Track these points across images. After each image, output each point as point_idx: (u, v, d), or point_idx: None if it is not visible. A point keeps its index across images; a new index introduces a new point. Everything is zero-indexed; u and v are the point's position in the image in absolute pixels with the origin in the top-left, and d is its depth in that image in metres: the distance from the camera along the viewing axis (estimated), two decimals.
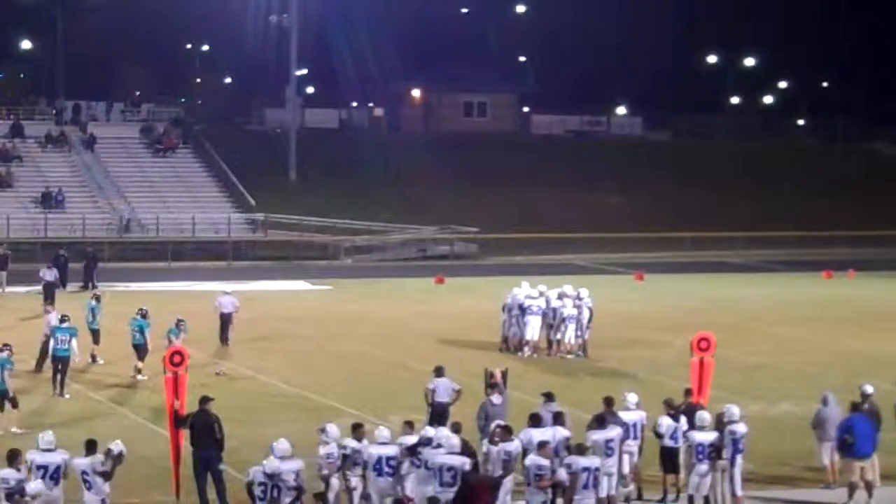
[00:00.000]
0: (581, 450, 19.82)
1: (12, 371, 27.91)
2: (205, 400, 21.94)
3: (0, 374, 27.26)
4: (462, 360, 35.01)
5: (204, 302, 46.27)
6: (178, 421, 21.89)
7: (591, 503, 19.47)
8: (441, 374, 25.57)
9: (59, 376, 30.67)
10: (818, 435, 23.37)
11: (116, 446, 19.52)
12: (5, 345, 27.85)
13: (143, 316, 32.81)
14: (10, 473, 18.53)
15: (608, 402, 22.20)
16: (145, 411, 28.76)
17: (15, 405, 27.40)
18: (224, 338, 37.39)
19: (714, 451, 21.13)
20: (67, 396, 30.45)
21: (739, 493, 21.25)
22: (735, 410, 21.55)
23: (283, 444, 19.40)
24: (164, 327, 32.75)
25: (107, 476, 19.22)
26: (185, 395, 22.02)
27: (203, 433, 21.45)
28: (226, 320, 37.46)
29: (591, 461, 19.62)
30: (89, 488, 19.23)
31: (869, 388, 23.60)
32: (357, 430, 20.47)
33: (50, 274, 45.98)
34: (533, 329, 36.30)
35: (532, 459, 19.61)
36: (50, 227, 65.52)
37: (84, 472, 19.24)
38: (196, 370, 25.82)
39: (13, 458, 18.81)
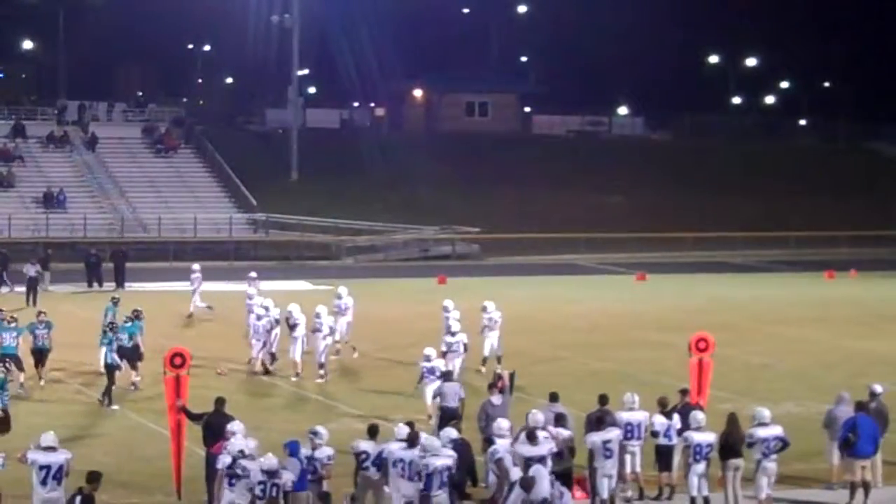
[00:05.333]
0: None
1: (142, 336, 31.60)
2: (220, 401, 21.64)
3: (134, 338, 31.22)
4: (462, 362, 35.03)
5: (204, 303, 46.32)
6: (189, 416, 21.73)
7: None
8: (449, 379, 25.39)
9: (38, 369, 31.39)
10: (829, 434, 23.21)
11: None
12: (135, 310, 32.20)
13: (137, 317, 32.77)
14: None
15: (603, 399, 22.22)
16: (146, 411, 28.70)
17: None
18: None
19: (712, 450, 21.05)
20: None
21: (763, 495, 20.98)
22: (765, 413, 21.23)
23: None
24: (163, 328, 32.71)
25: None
26: (186, 396, 21.88)
27: (218, 434, 21.07)
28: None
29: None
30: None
31: (878, 388, 23.44)
32: (372, 432, 20.39)
33: (33, 270, 46.32)
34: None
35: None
36: (51, 228, 65.56)
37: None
38: (196, 369, 25.73)
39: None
